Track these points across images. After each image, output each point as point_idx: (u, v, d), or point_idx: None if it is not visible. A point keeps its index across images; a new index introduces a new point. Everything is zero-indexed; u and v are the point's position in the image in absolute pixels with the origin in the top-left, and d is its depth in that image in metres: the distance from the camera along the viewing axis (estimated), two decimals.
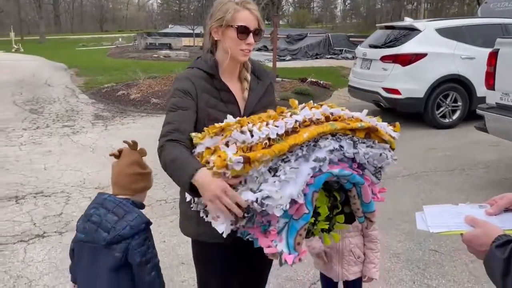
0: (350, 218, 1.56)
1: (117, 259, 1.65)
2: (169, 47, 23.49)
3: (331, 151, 1.39)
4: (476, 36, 7.31)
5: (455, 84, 7.22)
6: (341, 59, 18.76)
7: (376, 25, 9.32)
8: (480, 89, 6.15)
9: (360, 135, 1.47)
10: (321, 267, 2.27)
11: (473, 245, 1.12)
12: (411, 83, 7.09)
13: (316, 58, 19.79)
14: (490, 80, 4.60)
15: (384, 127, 1.52)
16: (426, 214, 1.22)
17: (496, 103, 4.56)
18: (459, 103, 7.31)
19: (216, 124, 1.49)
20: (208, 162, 1.43)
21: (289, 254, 1.34)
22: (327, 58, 19.60)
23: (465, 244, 1.14)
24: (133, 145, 1.85)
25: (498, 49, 4.52)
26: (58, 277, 3.09)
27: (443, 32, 7.30)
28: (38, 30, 41.17)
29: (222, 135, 1.45)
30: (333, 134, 1.42)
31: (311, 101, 1.63)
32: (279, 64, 14.20)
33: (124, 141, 1.87)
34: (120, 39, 32.07)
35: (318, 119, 1.43)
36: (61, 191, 4.72)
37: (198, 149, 1.54)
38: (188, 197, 1.63)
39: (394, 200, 4.24)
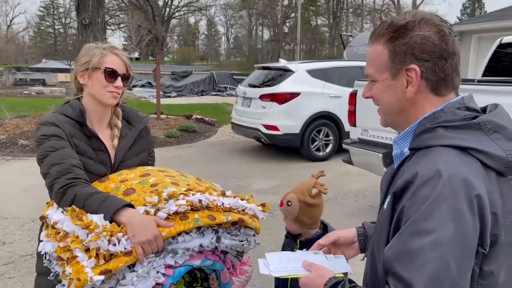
0: None
1: None
2: (43, 83, 21.83)
3: (188, 249, 1.38)
4: (341, 76, 8.13)
5: (326, 120, 7.91)
6: (226, 96, 19.37)
7: (254, 65, 9.85)
8: (347, 125, 6.83)
9: (226, 226, 1.46)
10: None
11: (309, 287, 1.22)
12: (288, 120, 7.58)
13: (202, 95, 20.12)
14: (352, 117, 5.13)
15: (254, 209, 1.55)
16: (268, 261, 1.34)
17: (358, 138, 5.09)
18: (331, 138, 8.00)
19: (83, 219, 1.34)
20: (62, 260, 1.31)
21: None
22: (212, 94, 20.07)
23: (302, 287, 1.23)
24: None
25: (357, 90, 5.09)
26: None
27: (313, 73, 8.00)
28: None
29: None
30: (198, 227, 1.40)
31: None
32: (164, 101, 14.08)
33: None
34: None
35: (184, 212, 1.39)
36: None
37: (53, 219, 1.41)
38: (42, 250, 1.47)
39: (273, 234, 4.39)
